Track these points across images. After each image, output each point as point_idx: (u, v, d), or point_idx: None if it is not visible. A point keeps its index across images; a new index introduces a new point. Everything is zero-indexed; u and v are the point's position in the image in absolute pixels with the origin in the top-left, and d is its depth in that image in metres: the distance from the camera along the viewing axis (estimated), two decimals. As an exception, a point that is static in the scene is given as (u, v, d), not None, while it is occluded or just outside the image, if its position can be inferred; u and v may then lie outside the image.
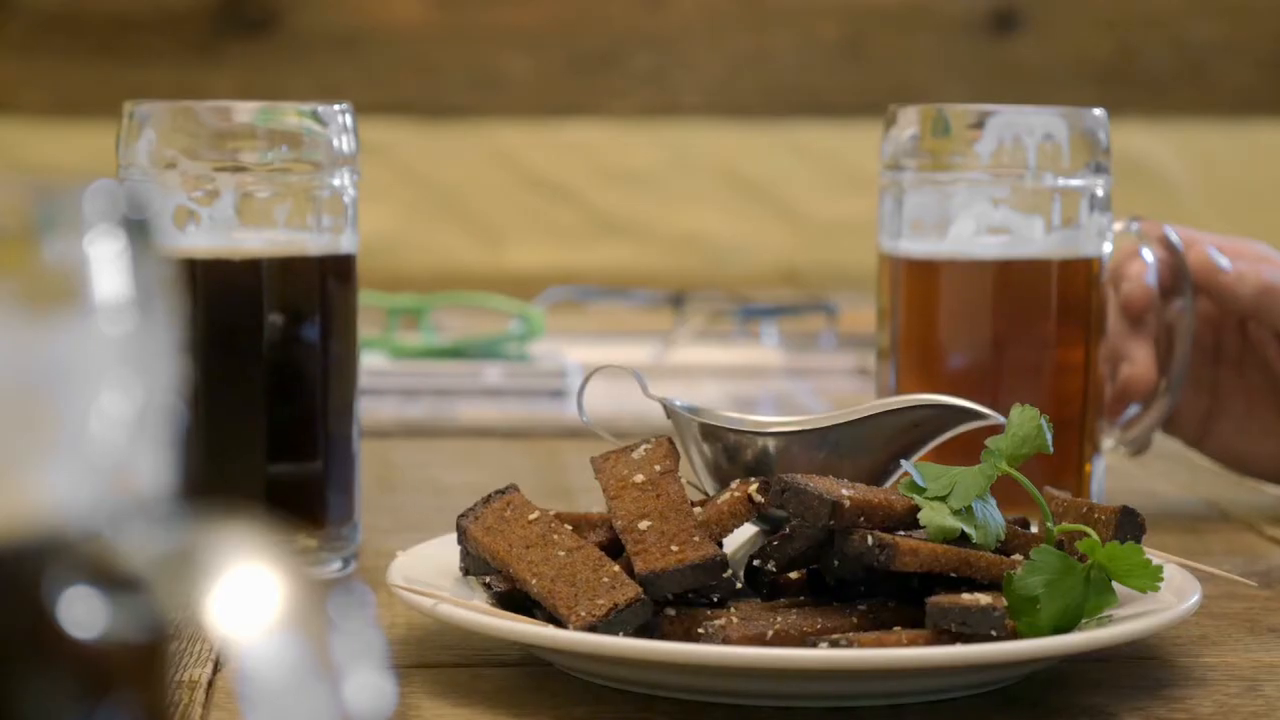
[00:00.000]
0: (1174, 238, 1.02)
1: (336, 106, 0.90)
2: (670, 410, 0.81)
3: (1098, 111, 0.99)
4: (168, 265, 0.36)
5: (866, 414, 0.78)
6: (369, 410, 1.34)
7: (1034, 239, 0.98)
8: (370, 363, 1.45)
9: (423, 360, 1.51)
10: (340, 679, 0.33)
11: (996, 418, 0.77)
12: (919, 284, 1.00)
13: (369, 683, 0.33)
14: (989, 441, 0.74)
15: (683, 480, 0.76)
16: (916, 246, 0.99)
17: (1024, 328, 0.99)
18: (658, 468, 0.75)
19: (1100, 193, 0.99)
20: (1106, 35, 2.80)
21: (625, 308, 1.88)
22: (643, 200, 2.78)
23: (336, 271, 0.90)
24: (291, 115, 0.90)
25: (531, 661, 0.73)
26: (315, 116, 0.89)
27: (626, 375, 0.82)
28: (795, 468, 0.76)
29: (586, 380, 0.84)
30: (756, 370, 1.59)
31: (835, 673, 0.67)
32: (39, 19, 2.78)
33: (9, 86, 2.79)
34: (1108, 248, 1.00)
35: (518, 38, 2.77)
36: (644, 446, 0.77)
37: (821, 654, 0.66)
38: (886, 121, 1.00)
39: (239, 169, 0.88)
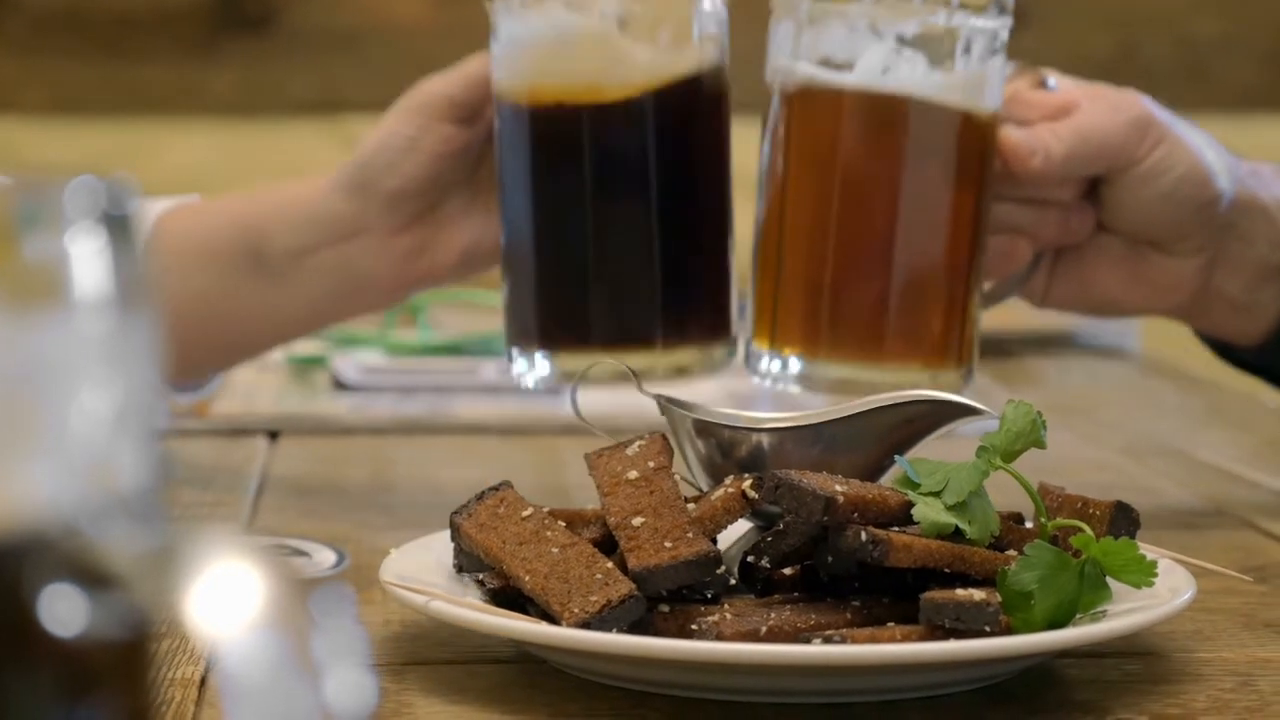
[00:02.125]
0: (1051, 83, 1.01)
1: None
2: (664, 406, 0.81)
3: None
4: (146, 262, 0.36)
5: (860, 410, 0.78)
6: (363, 408, 1.34)
7: (934, 79, 0.95)
8: (366, 360, 1.45)
9: (420, 357, 1.50)
10: (321, 677, 0.33)
11: (990, 413, 0.77)
12: (818, 114, 0.96)
13: (350, 680, 0.33)
14: (984, 437, 0.74)
15: (677, 476, 0.76)
16: (820, 74, 0.96)
17: (924, 169, 0.96)
18: (651, 464, 0.75)
19: (1003, 35, 0.96)
20: (1107, 32, 2.80)
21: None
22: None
23: (714, 94, 0.97)
24: None
25: (525, 658, 0.73)
26: None
27: (622, 371, 0.82)
28: (789, 464, 0.75)
29: (581, 377, 0.84)
30: (755, 367, 1.58)
31: (829, 669, 0.67)
32: (39, 18, 2.78)
33: (9, 85, 2.79)
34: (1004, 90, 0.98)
35: (517, 35, 2.77)
36: (638, 443, 0.77)
37: (815, 650, 0.66)
38: None
39: None
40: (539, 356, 0.96)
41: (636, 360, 0.92)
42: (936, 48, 0.95)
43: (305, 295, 1.05)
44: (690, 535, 0.71)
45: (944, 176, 0.96)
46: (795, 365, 0.96)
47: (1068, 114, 0.99)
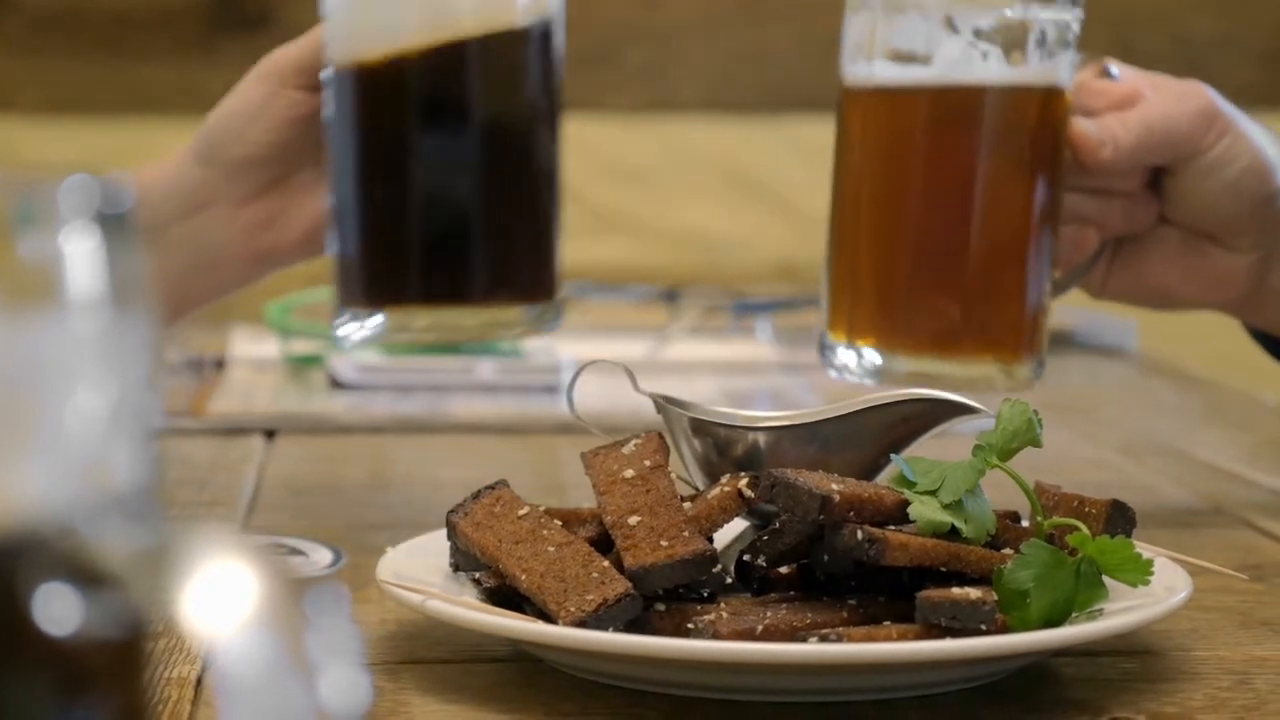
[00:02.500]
0: (1114, 72, 1.02)
1: None
2: (660, 405, 0.81)
3: None
4: (142, 261, 0.36)
5: (856, 409, 0.78)
6: (360, 407, 1.34)
7: (1010, 71, 0.96)
8: (363, 359, 1.45)
9: (416, 356, 1.50)
10: (317, 675, 0.33)
11: (986, 411, 0.77)
12: (895, 108, 0.97)
13: (346, 679, 0.33)
14: (980, 436, 0.74)
15: (673, 475, 0.76)
16: (896, 68, 0.96)
17: (1001, 161, 0.96)
18: (647, 463, 0.75)
19: (1075, 27, 0.97)
20: (1105, 31, 2.80)
21: (620, 303, 1.88)
22: (639, 196, 2.78)
23: (542, 40, 0.94)
24: None
25: (521, 657, 0.73)
26: None
27: (619, 371, 0.82)
28: (785, 463, 0.75)
29: (576, 375, 0.84)
30: (751, 365, 1.59)
31: (825, 667, 0.67)
32: (37, 17, 2.78)
33: (6, 84, 2.78)
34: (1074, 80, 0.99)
35: (515, 34, 2.77)
36: (634, 442, 0.77)
37: (811, 649, 0.66)
38: None
39: None
40: (364, 313, 0.95)
41: (458, 316, 0.92)
42: (1011, 40, 0.96)
43: (164, 274, 1.04)
44: (686, 534, 0.71)
45: (1020, 168, 0.97)
46: (871, 358, 0.96)
47: (1133, 104, 0.99)
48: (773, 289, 2.07)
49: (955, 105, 0.97)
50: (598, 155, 2.78)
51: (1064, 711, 0.69)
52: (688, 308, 1.76)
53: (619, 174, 2.78)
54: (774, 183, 2.79)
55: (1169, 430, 1.33)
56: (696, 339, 1.68)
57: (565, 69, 0.95)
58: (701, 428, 0.79)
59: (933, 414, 0.78)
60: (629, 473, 0.75)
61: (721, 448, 0.79)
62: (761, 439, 0.78)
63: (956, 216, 0.96)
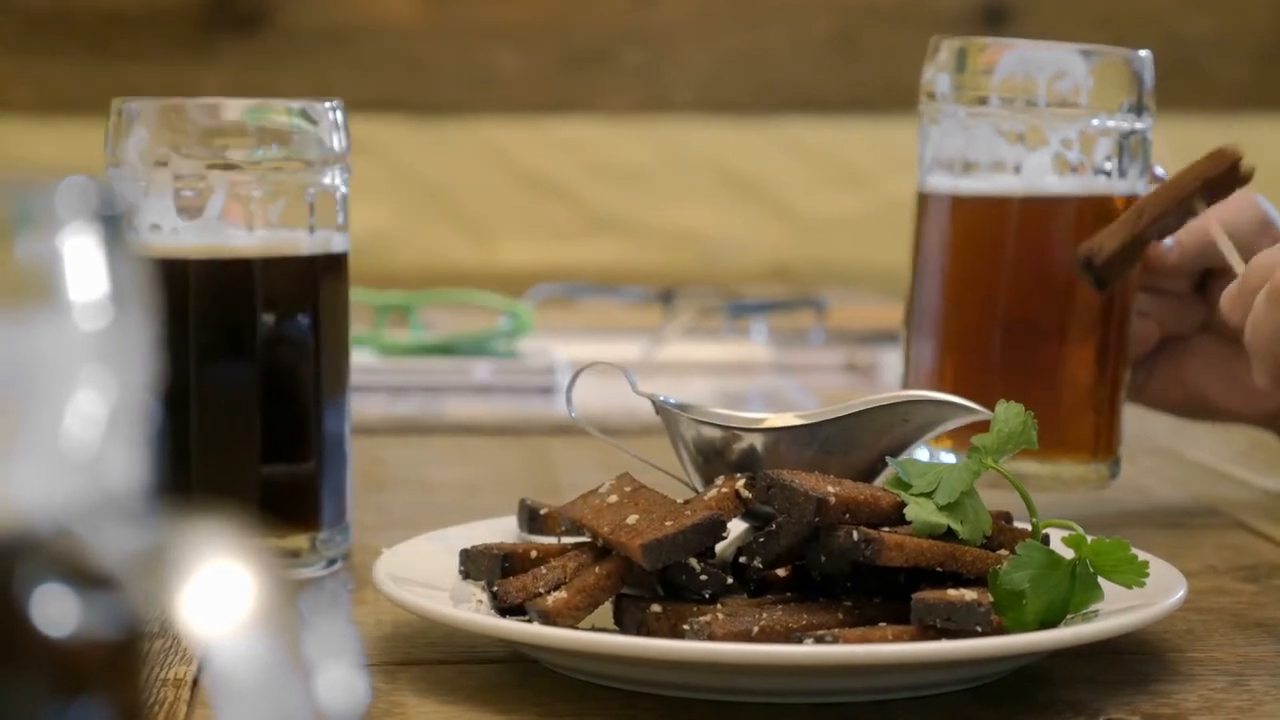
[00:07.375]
0: (1159, 172, 1.03)
1: (326, 104, 0.90)
2: (659, 407, 0.81)
3: (1143, 52, 0.99)
4: (141, 261, 0.36)
5: (855, 410, 0.78)
6: (357, 407, 1.34)
7: (1091, 180, 0.98)
8: (359, 360, 1.45)
9: (411, 357, 1.50)
10: (313, 676, 0.33)
11: (984, 413, 0.77)
12: (980, 218, 0.99)
13: (342, 679, 0.33)
14: (975, 438, 0.74)
15: (669, 474, 0.76)
16: (980, 184, 0.98)
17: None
18: (628, 489, 0.75)
19: (1148, 135, 0.99)
20: (1098, 31, 2.80)
21: (615, 304, 1.88)
22: (634, 197, 2.78)
23: (329, 270, 0.90)
24: (281, 113, 0.89)
25: (517, 658, 0.73)
26: (305, 114, 0.89)
27: (615, 372, 0.82)
28: (784, 464, 0.75)
29: (575, 377, 0.84)
30: (746, 366, 1.59)
31: (820, 669, 0.67)
32: (29, 16, 2.78)
33: (-1, 84, 2.78)
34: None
35: (509, 34, 2.77)
36: (606, 485, 0.76)
37: (806, 650, 0.66)
38: (930, 51, 0.99)
39: (230, 167, 0.88)
40: None
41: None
42: (1091, 150, 0.98)
43: None
44: (689, 512, 0.72)
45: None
46: (947, 459, 0.97)
47: None
48: (767, 290, 2.07)
49: (1042, 214, 0.98)
50: (592, 156, 2.79)
51: (1059, 713, 0.69)
52: (682, 308, 1.76)
53: (614, 174, 2.78)
54: (769, 183, 2.79)
55: (1162, 431, 1.33)
56: (691, 340, 1.68)
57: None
58: (700, 429, 0.79)
59: (931, 415, 0.78)
60: (613, 499, 0.75)
61: (720, 449, 0.79)
62: (760, 440, 0.78)
63: (1044, 322, 0.98)
